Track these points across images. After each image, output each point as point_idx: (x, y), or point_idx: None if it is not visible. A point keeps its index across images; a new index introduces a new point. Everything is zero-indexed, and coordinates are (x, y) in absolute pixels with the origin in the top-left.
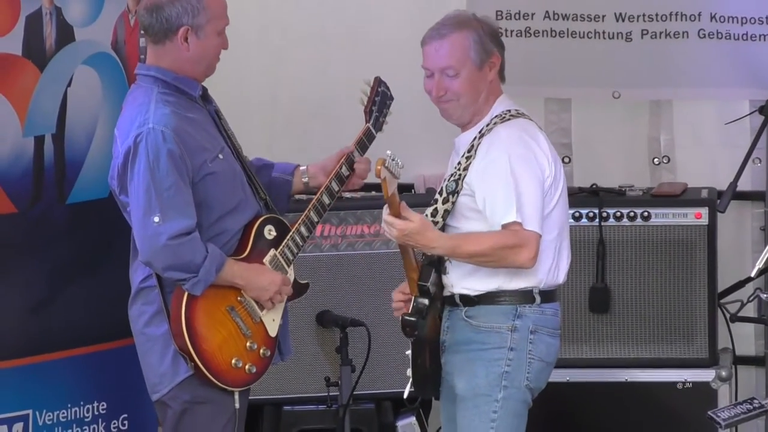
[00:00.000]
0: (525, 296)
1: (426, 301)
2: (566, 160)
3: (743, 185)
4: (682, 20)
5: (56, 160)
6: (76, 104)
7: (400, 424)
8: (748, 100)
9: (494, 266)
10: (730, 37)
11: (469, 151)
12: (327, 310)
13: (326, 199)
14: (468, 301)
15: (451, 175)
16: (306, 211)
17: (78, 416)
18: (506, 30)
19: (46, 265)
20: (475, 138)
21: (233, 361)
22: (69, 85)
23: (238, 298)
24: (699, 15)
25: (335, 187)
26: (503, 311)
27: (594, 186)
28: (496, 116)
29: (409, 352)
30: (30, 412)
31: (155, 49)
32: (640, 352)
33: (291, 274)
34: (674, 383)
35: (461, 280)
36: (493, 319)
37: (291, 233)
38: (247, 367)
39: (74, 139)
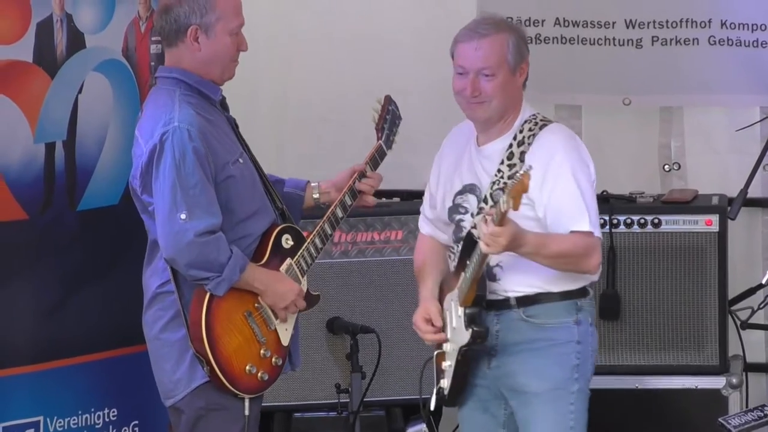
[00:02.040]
0: (582, 290)
1: (483, 310)
2: None
3: (754, 192)
4: (692, 27)
5: (67, 166)
6: (86, 111)
7: (411, 430)
8: (758, 107)
9: (563, 269)
10: (741, 43)
11: (509, 159)
12: (337, 317)
13: (340, 213)
14: (525, 301)
15: (494, 183)
16: (320, 223)
17: (89, 423)
18: None
19: (57, 271)
20: (510, 145)
21: (247, 367)
22: (80, 91)
23: (255, 305)
24: (709, 22)
25: (348, 201)
26: (566, 306)
27: (604, 193)
28: (526, 121)
29: (448, 364)
30: (41, 418)
31: (170, 52)
32: (651, 359)
33: (304, 285)
34: (685, 390)
35: (516, 284)
36: (558, 314)
37: (306, 244)
38: (260, 374)
39: (85, 146)
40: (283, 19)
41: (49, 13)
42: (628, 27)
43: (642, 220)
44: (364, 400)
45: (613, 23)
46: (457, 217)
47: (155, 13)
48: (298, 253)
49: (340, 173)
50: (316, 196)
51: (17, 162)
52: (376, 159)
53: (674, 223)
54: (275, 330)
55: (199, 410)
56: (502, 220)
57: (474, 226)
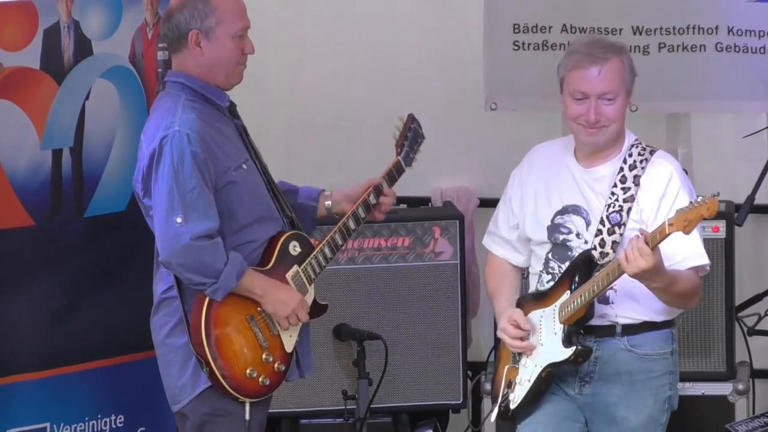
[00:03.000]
0: (675, 319)
1: (581, 331)
2: None
3: (761, 198)
4: (699, 33)
5: (74, 173)
6: (93, 117)
7: None
8: (765, 113)
9: (673, 305)
10: (748, 50)
11: (622, 182)
12: (344, 323)
13: (352, 224)
14: (630, 330)
15: (609, 206)
16: (331, 233)
17: (96, 429)
18: (523, 43)
19: (64, 278)
20: (621, 168)
21: (248, 371)
22: (87, 98)
23: (258, 308)
24: (716, 28)
25: (362, 213)
26: (664, 336)
27: None
28: (633, 145)
29: (526, 378)
30: (48, 425)
31: (175, 58)
32: None
33: (311, 293)
34: (692, 396)
35: (628, 310)
36: (657, 345)
37: (315, 252)
38: (261, 378)
39: (92, 152)
40: (291, 25)
41: (57, 20)
42: (635, 33)
43: None
44: (371, 406)
45: (620, 30)
46: (561, 237)
47: (161, 20)
48: (306, 261)
49: (354, 185)
50: (328, 204)
51: (24, 168)
52: (394, 174)
53: None
54: (278, 335)
55: (203, 416)
56: (656, 242)
57: (595, 247)
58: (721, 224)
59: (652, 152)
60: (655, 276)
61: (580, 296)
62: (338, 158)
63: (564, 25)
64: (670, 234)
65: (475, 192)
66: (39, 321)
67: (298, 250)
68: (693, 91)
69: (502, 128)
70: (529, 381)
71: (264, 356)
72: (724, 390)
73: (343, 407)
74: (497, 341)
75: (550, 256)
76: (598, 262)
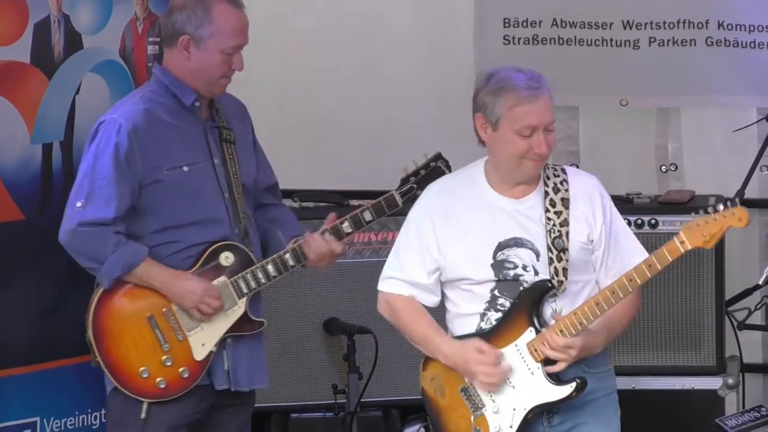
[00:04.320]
0: None
1: None
2: (574, 167)
3: (751, 193)
4: (689, 28)
5: (64, 167)
6: (84, 112)
7: (408, 431)
8: (755, 108)
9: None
10: (738, 44)
11: (552, 206)
12: (334, 317)
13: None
14: None
15: (549, 232)
16: (282, 253)
17: (86, 424)
18: (513, 38)
19: (53, 272)
20: (546, 193)
21: (141, 370)
22: (77, 92)
23: (163, 310)
24: (706, 22)
25: (349, 229)
26: (605, 353)
27: None
28: (544, 167)
29: (506, 425)
30: (37, 419)
31: (166, 52)
32: (648, 360)
33: (241, 307)
34: (681, 391)
35: None
36: (604, 362)
37: (254, 268)
38: (157, 380)
39: (82, 147)
40: (281, 19)
41: (47, 14)
42: (625, 28)
43: (639, 221)
44: (361, 400)
45: (611, 24)
46: (512, 272)
47: (163, 12)
48: (240, 274)
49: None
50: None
51: (14, 162)
52: (383, 208)
53: (671, 224)
54: (186, 341)
55: (111, 409)
56: (635, 287)
57: (552, 277)
58: None
59: (563, 170)
60: (593, 347)
61: (561, 332)
62: (327, 154)
63: (554, 19)
64: (684, 252)
65: None
66: (29, 315)
67: (231, 261)
68: (683, 85)
69: None
70: (511, 427)
71: (164, 358)
72: (714, 384)
73: (334, 401)
74: (427, 399)
75: (497, 293)
76: (557, 293)
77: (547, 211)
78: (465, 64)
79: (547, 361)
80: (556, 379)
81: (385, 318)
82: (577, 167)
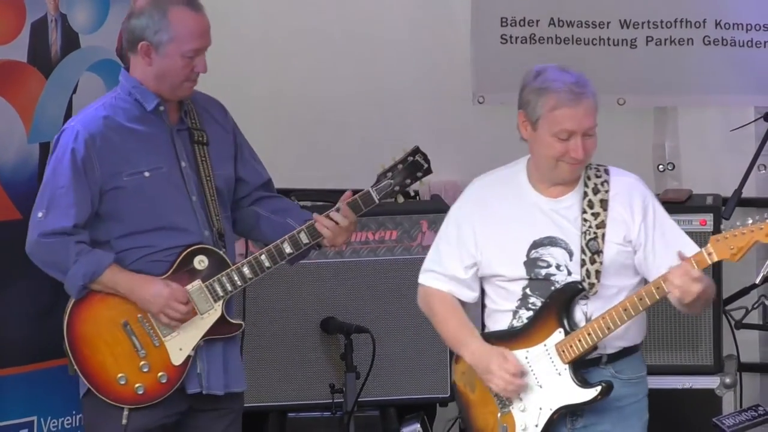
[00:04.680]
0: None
1: None
2: None
3: (748, 192)
4: (687, 27)
5: None
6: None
7: (405, 430)
8: (753, 107)
9: (696, 310)
10: (735, 43)
11: (590, 207)
12: (331, 316)
13: (287, 248)
14: (614, 357)
15: (584, 233)
16: (258, 253)
17: (82, 423)
18: (511, 37)
19: None
20: (585, 194)
21: (118, 377)
22: (74, 91)
23: (138, 316)
24: (704, 22)
25: (304, 239)
26: (640, 359)
27: None
28: (586, 167)
29: (532, 424)
30: (35, 418)
31: (130, 57)
32: (646, 360)
33: (217, 310)
34: (679, 390)
35: (616, 339)
36: (637, 368)
37: (229, 270)
38: (135, 386)
39: None
40: (277, 18)
41: (44, 13)
42: (622, 27)
43: None
44: (359, 400)
45: (608, 23)
46: (543, 271)
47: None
48: (214, 278)
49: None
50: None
51: (11, 162)
52: (358, 204)
53: None
54: (163, 347)
55: (88, 415)
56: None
57: (583, 279)
58: (709, 217)
59: (606, 171)
60: (703, 294)
61: (588, 335)
62: (323, 153)
63: (552, 18)
64: (711, 264)
65: (462, 186)
66: (26, 314)
67: (205, 264)
68: (680, 84)
69: (489, 122)
70: (536, 426)
71: (141, 365)
72: (711, 383)
73: (331, 401)
74: (452, 390)
75: (528, 291)
76: (588, 295)
77: (584, 212)
78: (462, 63)
79: (575, 363)
80: (583, 381)
81: (423, 313)
82: None
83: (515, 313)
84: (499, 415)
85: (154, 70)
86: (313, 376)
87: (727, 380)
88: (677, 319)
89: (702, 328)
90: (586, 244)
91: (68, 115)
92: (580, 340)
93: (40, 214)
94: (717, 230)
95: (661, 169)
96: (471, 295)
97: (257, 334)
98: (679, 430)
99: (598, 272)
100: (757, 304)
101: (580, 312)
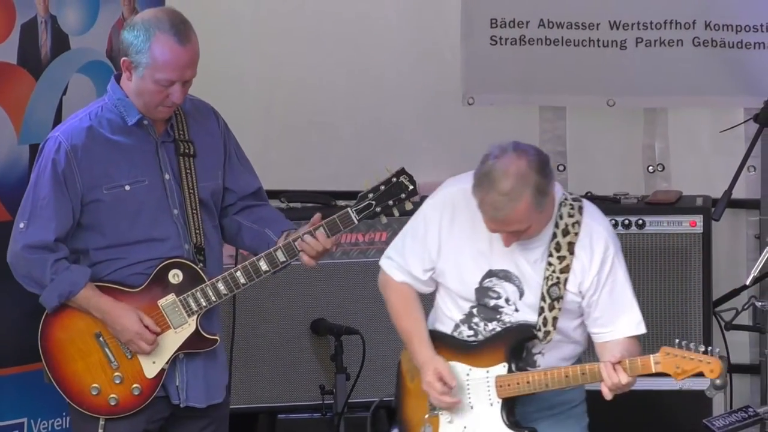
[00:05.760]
0: None
1: None
2: (561, 168)
3: (738, 193)
4: (676, 28)
5: None
6: (71, 112)
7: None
8: (742, 108)
9: None
10: (725, 45)
11: (557, 250)
12: (322, 318)
13: (264, 266)
14: None
15: (547, 278)
16: (233, 270)
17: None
18: (500, 38)
19: None
20: (554, 235)
21: (91, 387)
22: (64, 93)
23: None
24: (693, 23)
25: (280, 257)
26: (583, 386)
27: (588, 194)
28: (561, 204)
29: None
30: (25, 420)
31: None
32: None
33: (191, 325)
34: (669, 391)
35: (553, 363)
36: (580, 397)
37: (204, 285)
38: (108, 397)
39: None
40: (269, 19)
41: (34, 15)
42: (612, 28)
43: (626, 221)
44: (349, 401)
45: (598, 25)
46: (492, 302)
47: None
48: (189, 292)
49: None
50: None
51: (1, 163)
52: (336, 224)
53: (658, 225)
54: (136, 359)
55: (73, 423)
56: (636, 374)
57: (539, 327)
58: (698, 219)
59: (580, 209)
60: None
61: (527, 383)
62: (315, 155)
63: (541, 20)
64: (654, 372)
65: None
66: (16, 316)
67: (180, 279)
68: (670, 85)
69: (479, 123)
70: None
71: (114, 376)
72: (701, 385)
73: (321, 402)
74: (399, 374)
75: (475, 312)
76: (542, 342)
77: (550, 255)
78: (452, 65)
79: (506, 401)
80: (511, 422)
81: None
82: (564, 168)
83: (457, 326)
84: (427, 415)
85: (132, 86)
86: (304, 378)
87: (718, 382)
88: (668, 320)
89: (692, 329)
90: (548, 291)
91: (58, 116)
92: (518, 383)
93: (21, 225)
94: (707, 232)
95: (651, 171)
96: (427, 290)
97: (247, 336)
98: (669, 431)
99: (555, 318)
100: (747, 306)
101: (528, 355)
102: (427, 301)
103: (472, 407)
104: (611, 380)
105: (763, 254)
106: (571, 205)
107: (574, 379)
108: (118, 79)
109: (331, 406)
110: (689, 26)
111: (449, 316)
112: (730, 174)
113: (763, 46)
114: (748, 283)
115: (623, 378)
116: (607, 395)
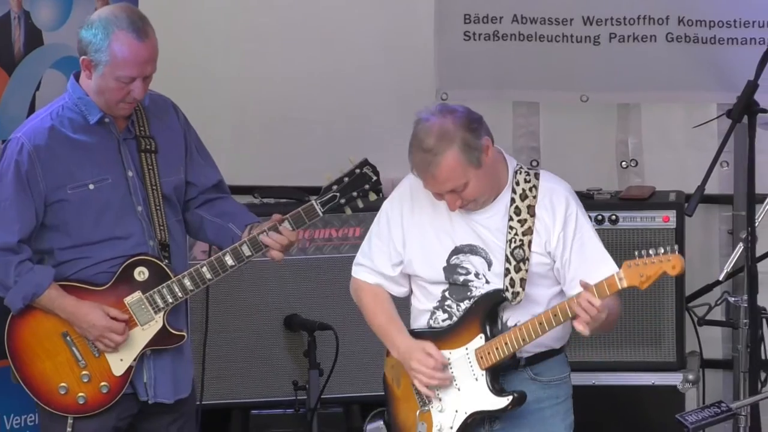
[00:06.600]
0: (567, 343)
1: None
2: (534, 163)
3: (711, 189)
4: (650, 24)
5: None
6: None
7: (369, 428)
8: (715, 104)
9: (599, 331)
10: (698, 40)
11: (517, 214)
12: (295, 313)
13: (229, 260)
14: (533, 360)
15: (510, 241)
16: (199, 266)
17: None
18: (474, 34)
19: None
20: (513, 200)
21: (59, 387)
22: (37, 88)
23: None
24: (667, 18)
25: (246, 251)
26: (562, 361)
27: None
28: (516, 171)
29: (447, 425)
30: None
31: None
32: (608, 356)
33: (159, 322)
34: (642, 386)
35: (533, 345)
36: (558, 370)
37: (170, 282)
38: (77, 396)
39: None
40: (241, 17)
41: (7, 10)
42: (585, 24)
43: (599, 217)
44: (322, 397)
45: (571, 20)
46: (461, 278)
47: None
48: (155, 289)
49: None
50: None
51: None
52: (302, 217)
53: (631, 220)
54: (103, 357)
55: (41, 422)
56: (604, 296)
57: (507, 288)
58: (671, 214)
59: (537, 175)
60: (600, 321)
61: (505, 344)
62: (288, 150)
63: (515, 15)
64: (621, 288)
65: None
66: None
67: (145, 276)
68: (643, 81)
69: None
70: (451, 428)
71: (81, 374)
72: (674, 380)
73: (294, 398)
74: (385, 385)
75: (447, 294)
76: (512, 303)
77: (511, 219)
78: (426, 60)
79: (492, 370)
80: (498, 389)
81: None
82: (538, 163)
83: (432, 313)
84: (418, 413)
85: (92, 84)
86: (277, 373)
87: (690, 376)
88: (640, 316)
89: (665, 324)
90: (511, 253)
91: (31, 111)
92: (497, 348)
93: None
94: (680, 227)
95: (624, 166)
96: (400, 291)
97: (220, 331)
98: (642, 426)
99: (523, 280)
100: (720, 301)
101: (504, 329)
102: (403, 309)
103: (459, 389)
104: (581, 305)
105: (736, 250)
106: (527, 172)
107: (548, 323)
108: (77, 77)
109: (305, 402)
110: (662, 22)
111: (423, 308)
112: (703, 169)
113: (736, 42)
114: (721, 278)
115: (594, 300)
116: (584, 330)
